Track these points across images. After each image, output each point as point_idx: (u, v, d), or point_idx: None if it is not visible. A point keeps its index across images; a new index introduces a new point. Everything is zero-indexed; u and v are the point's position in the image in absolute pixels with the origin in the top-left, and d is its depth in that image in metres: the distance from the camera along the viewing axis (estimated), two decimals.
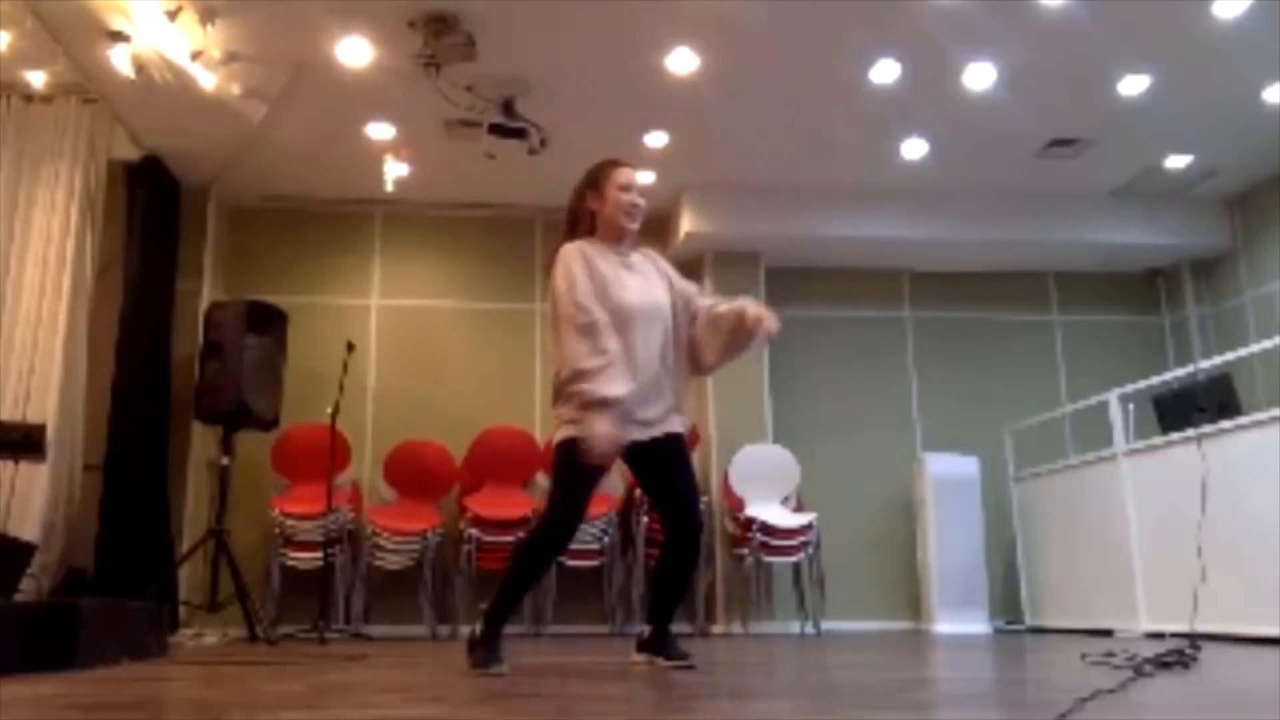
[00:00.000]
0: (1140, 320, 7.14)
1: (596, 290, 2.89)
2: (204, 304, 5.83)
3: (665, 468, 3.02)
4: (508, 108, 5.23)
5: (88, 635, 2.89)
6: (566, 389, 2.83)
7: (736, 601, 5.99)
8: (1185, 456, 4.67)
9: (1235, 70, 5.05)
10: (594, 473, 2.88)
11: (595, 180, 3.09)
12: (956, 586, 6.06)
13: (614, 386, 2.77)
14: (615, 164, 3.12)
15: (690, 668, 2.88)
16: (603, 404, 2.76)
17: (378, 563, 5.60)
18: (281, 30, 4.61)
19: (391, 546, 5.59)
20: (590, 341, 2.81)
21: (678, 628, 3.06)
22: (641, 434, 2.92)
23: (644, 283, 3.03)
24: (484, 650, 2.79)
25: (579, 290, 2.87)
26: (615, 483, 5.88)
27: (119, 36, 4.44)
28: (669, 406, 3.01)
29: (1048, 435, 6.40)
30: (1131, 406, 5.30)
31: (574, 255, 2.95)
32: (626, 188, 3.06)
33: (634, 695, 2.23)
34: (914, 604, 6.33)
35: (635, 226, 3.07)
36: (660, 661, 2.96)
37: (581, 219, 3.09)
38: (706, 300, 3.17)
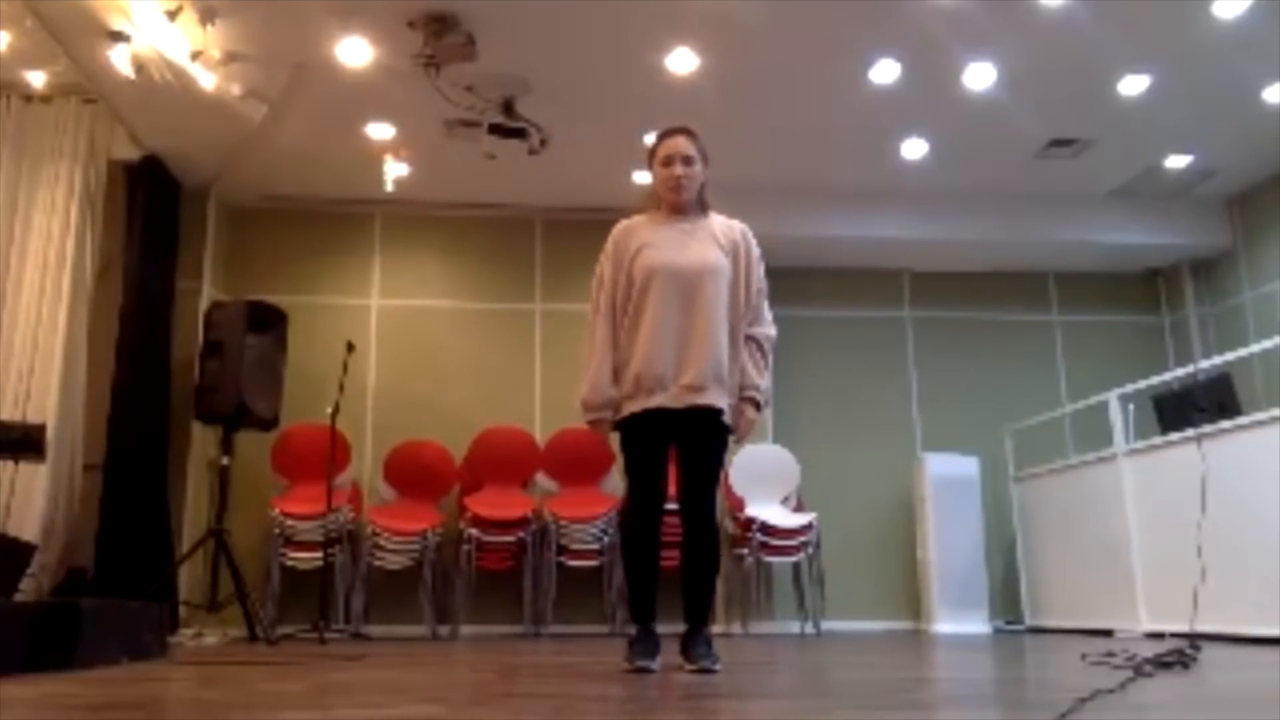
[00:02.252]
0: (1140, 320, 7.14)
1: (625, 257, 3.02)
2: (204, 304, 5.83)
3: (684, 448, 2.97)
4: (508, 108, 5.23)
5: (88, 635, 2.89)
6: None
7: (736, 601, 5.99)
8: (1185, 456, 4.67)
9: (1235, 70, 5.05)
10: (639, 449, 2.95)
11: (648, 158, 3.15)
12: (956, 586, 6.06)
13: (584, 389, 3.00)
14: (659, 138, 3.11)
15: (702, 671, 2.75)
16: (583, 407, 3.01)
17: (378, 563, 5.60)
18: (281, 30, 4.61)
19: (391, 546, 5.59)
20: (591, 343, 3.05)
21: (677, 627, 2.99)
22: (672, 401, 2.88)
23: (689, 245, 3.00)
24: (635, 647, 2.88)
25: (594, 288, 3.10)
26: (615, 483, 5.88)
27: (119, 36, 4.44)
28: (711, 376, 2.90)
29: (1048, 435, 6.41)
30: (1131, 406, 5.30)
31: (608, 242, 3.11)
32: (666, 161, 3.04)
33: (634, 695, 2.23)
34: (914, 604, 6.34)
35: (681, 198, 3.04)
36: (686, 665, 2.84)
37: (649, 195, 3.17)
38: (750, 345, 3.06)
